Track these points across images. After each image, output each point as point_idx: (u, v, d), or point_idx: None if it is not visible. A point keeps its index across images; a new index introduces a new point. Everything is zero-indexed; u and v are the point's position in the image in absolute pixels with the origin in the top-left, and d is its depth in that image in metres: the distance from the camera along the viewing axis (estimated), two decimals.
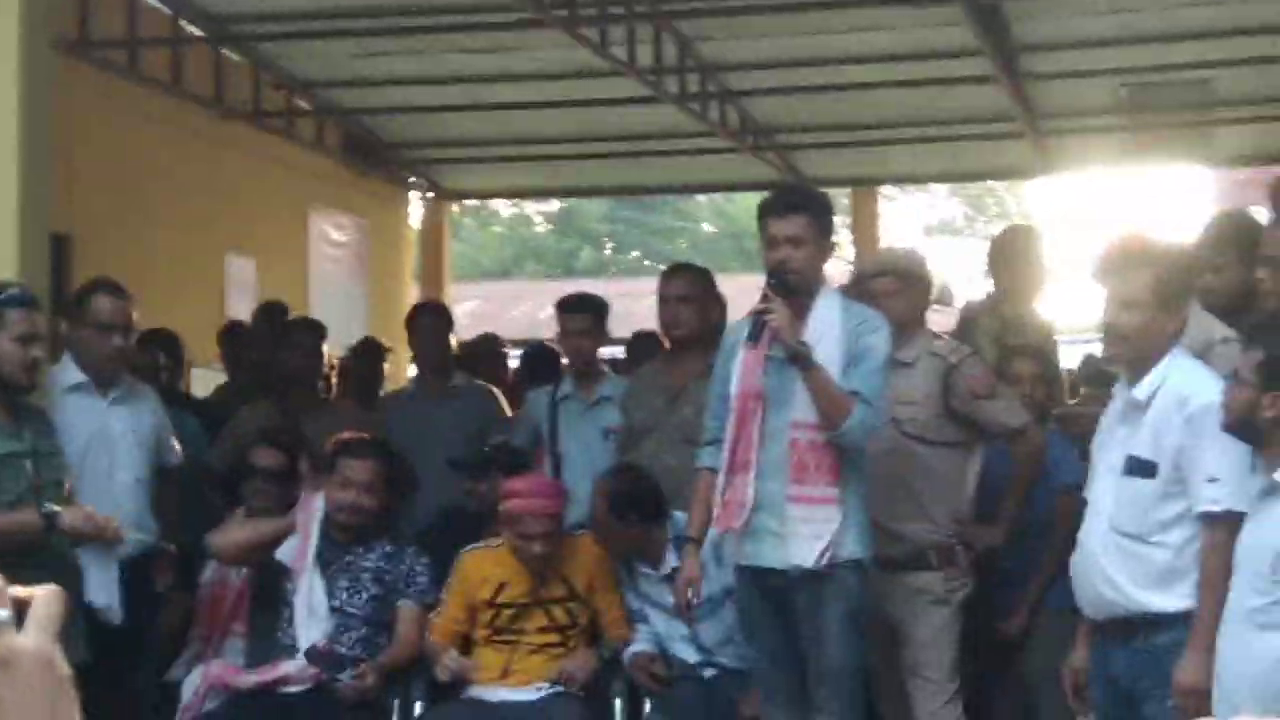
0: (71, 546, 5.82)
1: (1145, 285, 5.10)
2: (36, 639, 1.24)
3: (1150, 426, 5.02)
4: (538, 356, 9.62)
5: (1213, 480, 4.87)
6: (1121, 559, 5.04)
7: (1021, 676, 6.54)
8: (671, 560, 6.40)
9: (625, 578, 6.57)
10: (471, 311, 19.81)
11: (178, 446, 6.91)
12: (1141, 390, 5.06)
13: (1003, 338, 7.34)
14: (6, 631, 1.23)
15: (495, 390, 8.49)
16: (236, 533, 6.73)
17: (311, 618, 6.46)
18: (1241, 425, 4.69)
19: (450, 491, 7.24)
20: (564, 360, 8.17)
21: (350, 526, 6.58)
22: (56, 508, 5.64)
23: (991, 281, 7.83)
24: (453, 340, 8.54)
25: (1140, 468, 5.02)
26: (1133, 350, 5.15)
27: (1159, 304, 5.08)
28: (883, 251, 6.81)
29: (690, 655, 6.47)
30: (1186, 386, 4.98)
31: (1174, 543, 4.97)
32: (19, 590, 1.26)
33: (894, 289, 6.35)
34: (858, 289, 6.47)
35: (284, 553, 6.57)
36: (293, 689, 6.34)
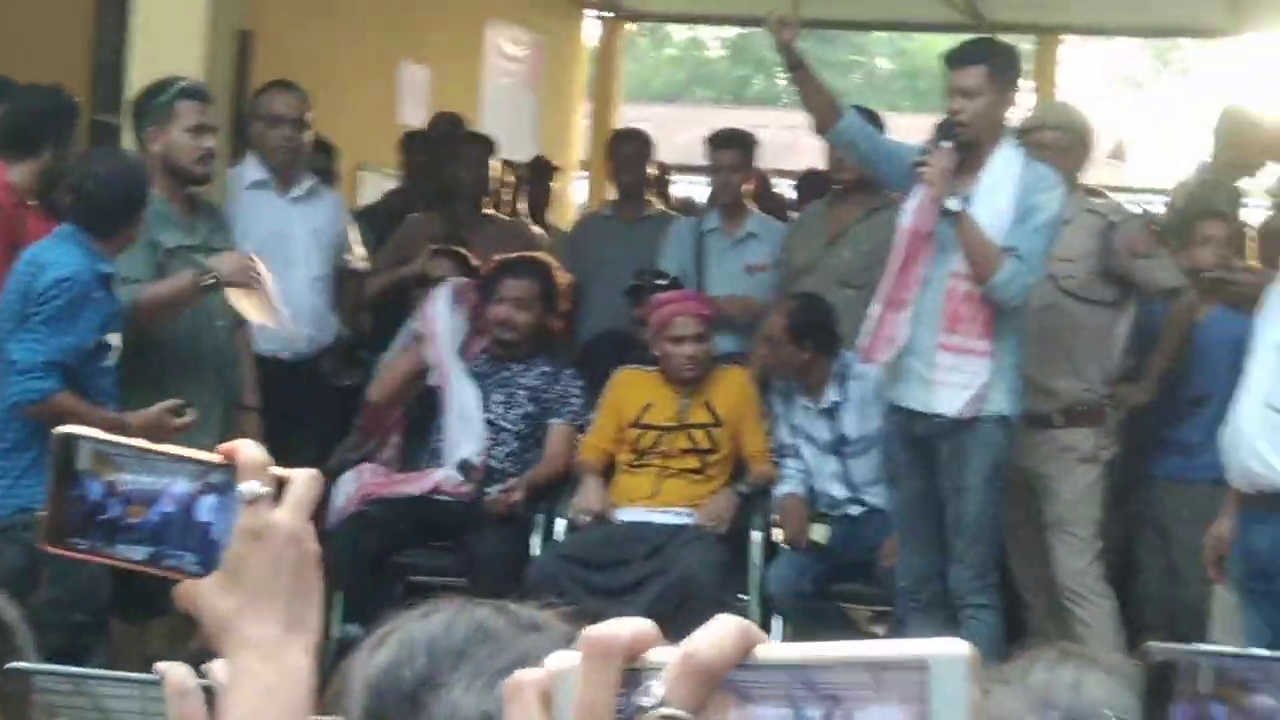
0: (229, 339, 6.00)
1: None
2: (290, 515, 1.36)
3: None
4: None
5: None
6: (1273, 435, 5.02)
7: (1169, 543, 6.50)
8: (832, 395, 6.48)
9: (782, 410, 6.65)
10: None
11: (359, 250, 7.12)
12: None
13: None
14: (265, 505, 1.35)
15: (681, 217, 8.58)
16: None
17: (464, 426, 6.61)
18: None
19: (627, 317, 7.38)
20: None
21: (508, 343, 6.71)
22: (207, 262, 5.76)
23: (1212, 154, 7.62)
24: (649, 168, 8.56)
25: None
26: None
27: None
28: (1051, 105, 6.72)
29: (838, 492, 6.56)
30: None
31: None
32: (280, 470, 1.36)
33: (1057, 143, 6.29)
34: (1025, 136, 6.43)
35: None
36: (442, 497, 6.52)
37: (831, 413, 6.50)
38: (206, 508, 1.35)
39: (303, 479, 1.38)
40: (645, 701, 0.86)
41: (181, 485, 1.35)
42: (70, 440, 1.36)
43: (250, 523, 1.34)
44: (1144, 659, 0.99)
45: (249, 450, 1.35)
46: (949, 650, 0.85)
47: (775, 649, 0.87)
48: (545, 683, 0.90)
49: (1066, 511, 6.21)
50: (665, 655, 0.87)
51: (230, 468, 1.35)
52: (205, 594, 1.35)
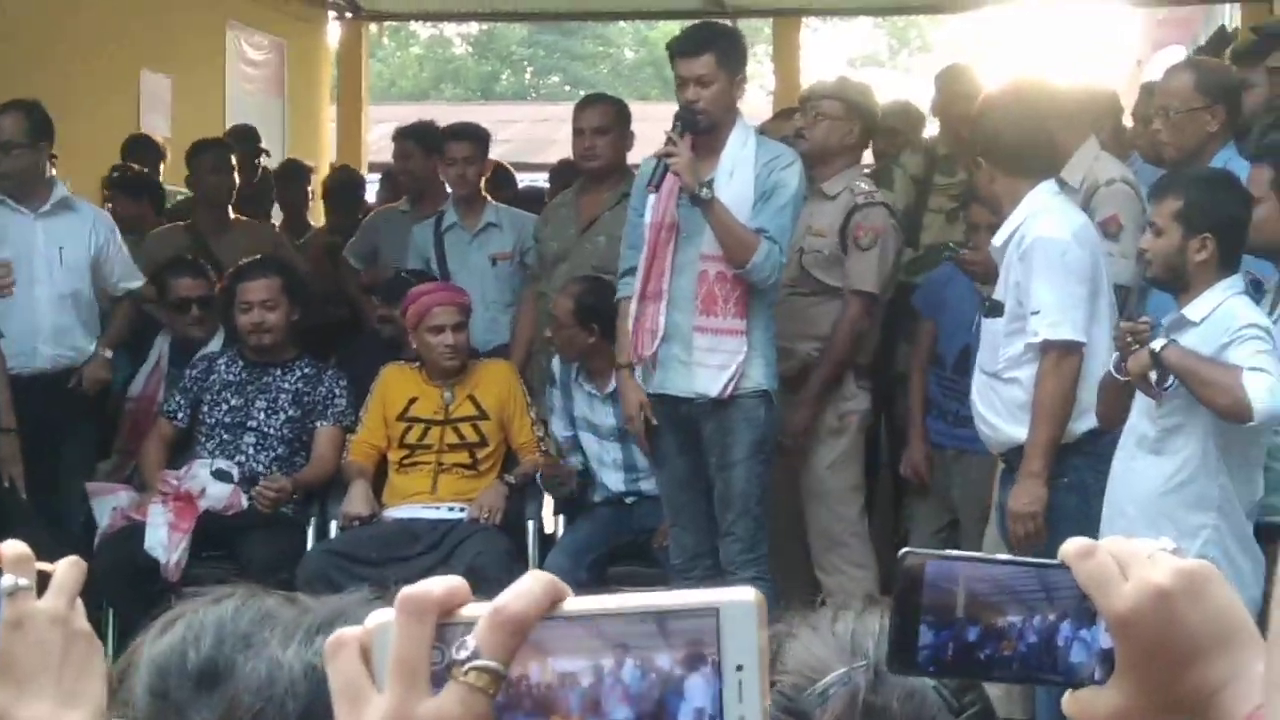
0: None
1: (985, 137, 5.27)
2: (51, 601, 1.42)
3: (1003, 268, 5.20)
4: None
5: (1035, 312, 5.03)
6: (989, 395, 5.25)
7: (946, 499, 6.60)
8: (615, 381, 6.48)
9: (562, 400, 6.67)
10: (388, 134, 19.62)
11: (134, 271, 7.01)
12: (999, 235, 5.24)
13: (927, 175, 7.37)
14: (25, 597, 1.41)
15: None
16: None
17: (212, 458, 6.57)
18: (1167, 274, 4.81)
19: None
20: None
21: (266, 347, 6.65)
22: None
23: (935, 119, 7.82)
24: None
25: (993, 308, 5.24)
26: (982, 197, 5.51)
27: (991, 159, 5.23)
28: (840, 79, 6.84)
29: (616, 482, 6.60)
30: (1027, 226, 5.11)
31: (1024, 378, 5.13)
32: (45, 565, 1.43)
33: (831, 112, 6.43)
34: (804, 104, 6.59)
35: (136, 386, 6.83)
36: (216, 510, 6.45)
37: (615, 398, 6.51)
38: None
39: (64, 565, 1.44)
40: (459, 655, 0.92)
41: None
42: None
43: (11, 614, 1.40)
44: (901, 562, 1.08)
45: (11, 548, 1.42)
46: (738, 596, 0.92)
47: (580, 601, 0.93)
48: (364, 639, 0.95)
49: (817, 484, 6.35)
50: (477, 610, 0.93)
51: None
52: None
